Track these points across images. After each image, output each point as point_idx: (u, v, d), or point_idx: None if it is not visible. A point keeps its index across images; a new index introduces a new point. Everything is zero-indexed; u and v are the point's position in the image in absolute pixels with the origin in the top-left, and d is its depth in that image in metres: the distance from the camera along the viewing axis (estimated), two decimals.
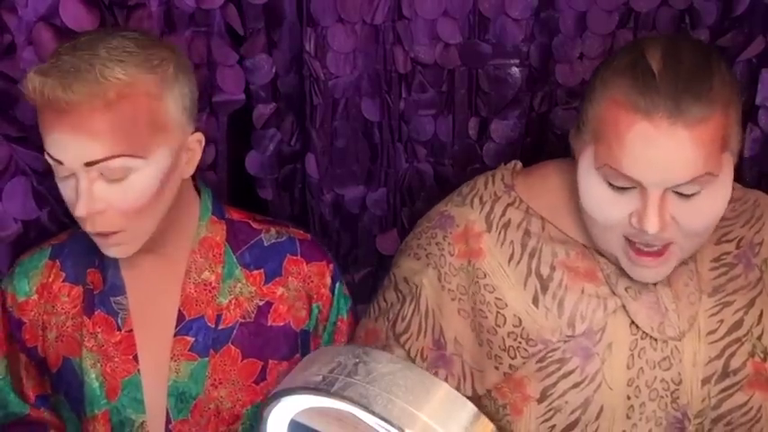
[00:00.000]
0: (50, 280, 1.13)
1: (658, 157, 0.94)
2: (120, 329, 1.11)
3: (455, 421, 0.72)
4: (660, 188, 0.96)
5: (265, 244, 1.16)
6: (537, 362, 1.06)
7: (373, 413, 0.70)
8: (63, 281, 1.13)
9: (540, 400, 1.06)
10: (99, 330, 1.11)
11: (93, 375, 1.10)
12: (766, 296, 1.08)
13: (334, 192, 1.37)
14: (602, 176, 0.99)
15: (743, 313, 1.07)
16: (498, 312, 1.08)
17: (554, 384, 1.06)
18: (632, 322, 1.05)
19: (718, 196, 1.00)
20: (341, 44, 1.27)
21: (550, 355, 1.06)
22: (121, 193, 1.00)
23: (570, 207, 1.09)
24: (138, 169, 1.00)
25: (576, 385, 1.05)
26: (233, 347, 1.13)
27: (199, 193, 1.15)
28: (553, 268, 1.08)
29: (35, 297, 1.13)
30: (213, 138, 1.29)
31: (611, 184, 0.99)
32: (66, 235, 1.17)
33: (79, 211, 0.99)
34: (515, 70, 1.33)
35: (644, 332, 1.05)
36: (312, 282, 1.17)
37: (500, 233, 1.10)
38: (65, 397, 1.14)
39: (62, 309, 1.13)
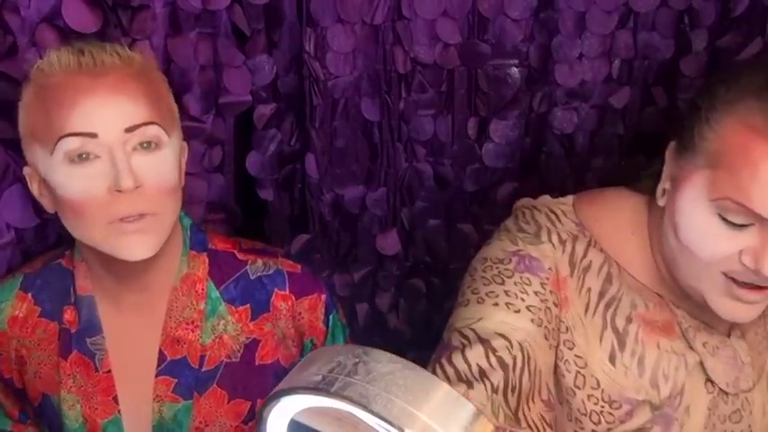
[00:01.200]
0: (22, 315, 1.06)
1: None
2: (97, 371, 1.06)
3: (455, 421, 0.72)
4: None
5: (251, 277, 1.08)
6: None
7: (373, 413, 0.70)
8: (39, 316, 1.06)
9: None
10: (77, 371, 1.05)
11: (73, 417, 1.06)
12: None
13: (334, 192, 1.37)
14: (715, 209, 0.88)
15: None
16: (578, 372, 0.97)
17: None
18: (707, 380, 0.99)
19: None
20: (341, 44, 1.27)
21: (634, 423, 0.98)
22: (156, 166, 0.95)
23: (640, 249, 1.00)
24: (165, 145, 0.97)
25: None
26: (218, 389, 1.07)
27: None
28: (629, 320, 0.98)
29: (7, 330, 1.06)
30: (220, 139, 1.29)
31: (724, 219, 0.88)
32: (39, 263, 1.10)
33: (125, 182, 0.91)
34: (515, 70, 1.33)
35: (719, 388, 0.99)
36: (303, 318, 1.10)
37: (580, 278, 0.99)
38: (48, 430, 1.10)
39: (39, 345, 1.06)
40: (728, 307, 0.92)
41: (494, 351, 0.91)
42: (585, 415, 0.97)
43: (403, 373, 0.72)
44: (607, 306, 0.98)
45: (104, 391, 1.06)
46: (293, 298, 1.08)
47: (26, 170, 1.02)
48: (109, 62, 0.95)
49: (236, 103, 1.27)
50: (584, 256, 0.99)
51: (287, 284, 1.08)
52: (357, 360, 0.74)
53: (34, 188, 1.01)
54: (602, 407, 0.96)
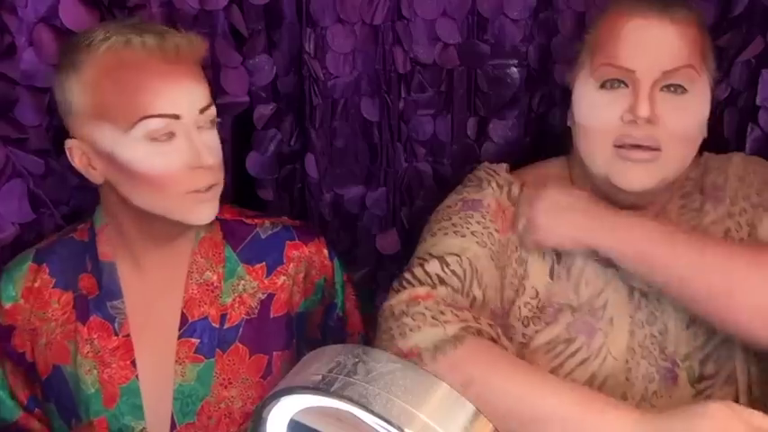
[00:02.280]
0: (37, 285, 1.11)
1: (649, 45, 1.05)
2: (117, 334, 1.10)
3: (454, 421, 0.72)
4: (650, 77, 1.04)
5: (263, 237, 1.17)
6: (546, 344, 1.09)
7: (372, 413, 0.70)
8: (53, 286, 1.11)
9: None
10: (95, 336, 1.09)
11: (90, 382, 1.09)
12: (741, 223, 1.11)
13: (334, 191, 1.37)
14: (596, 80, 1.08)
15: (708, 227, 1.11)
16: (520, 282, 1.11)
17: (561, 364, 1.08)
18: (631, 290, 1.09)
19: (699, 101, 1.07)
20: (340, 44, 1.27)
21: (557, 337, 1.08)
22: (213, 137, 1.05)
23: (568, 179, 1.18)
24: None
25: (582, 362, 1.08)
26: (241, 346, 1.13)
27: None
28: None
29: (21, 302, 1.11)
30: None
31: (603, 86, 1.07)
32: (52, 239, 1.15)
33: (209, 159, 1.02)
34: (514, 70, 1.33)
35: (639, 294, 1.09)
36: (314, 260, 1.18)
37: None
38: (55, 405, 1.12)
39: (52, 315, 1.11)
40: (623, 171, 1.06)
41: (447, 264, 1.08)
42: (519, 320, 1.10)
43: (403, 372, 0.72)
44: None
45: (123, 356, 1.10)
46: (303, 245, 1.18)
47: (72, 143, 1.04)
48: (183, 47, 1.01)
49: (233, 104, 1.27)
50: (522, 192, 1.15)
51: (295, 235, 1.18)
52: (357, 360, 0.74)
53: (78, 161, 1.05)
54: (534, 312, 1.10)
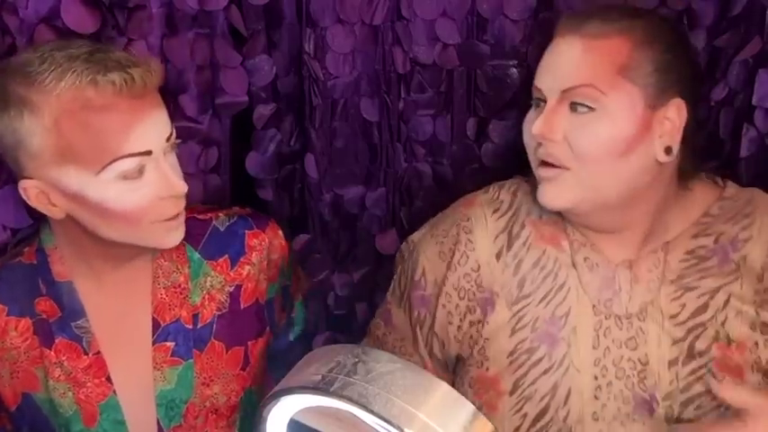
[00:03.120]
0: None
1: (553, 63, 1.05)
2: (87, 353, 1.07)
3: (454, 420, 0.72)
4: (553, 96, 1.04)
5: (221, 229, 1.15)
6: (508, 356, 1.10)
7: (372, 412, 0.70)
8: (6, 314, 1.07)
9: (511, 392, 1.09)
10: (64, 359, 1.07)
11: (66, 405, 1.07)
12: (738, 288, 1.08)
13: (334, 192, 1.37)
14: (532, 99, 1.09)
15: (707, 298, 1.08)
16: (464, 252, 1.13)
17: (525, 374, 1.09)
18: (594, 305, 1.08)
19: (610, 120, 1.01)
20: (340, 45, 1.27)
21: (519, 346, 1.09)
22: (177, 165, 1.03)
23: None
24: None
25: (545, 372, 1.08)
26: (217, 342, 1.13)
27: None
28: (523, 226, 1.13)
29: None
30: (216, 140, 1.29)
31: (533, 105, 1.09)
32: (0, 261, 1.10)
33: (181, 187, 1.01)
34: (514, 71, 1.33)
35: (608, 312, 1.08)
36: (273, 245, 1.18)
37: (495, 192, 1.18)
38: (29, 431, 1.10)
39: (12, 344, 1.07)
40: (540, 190, 1.07)
41: (400, 251, 1.22)
42: (456, 290, 1.13)
43: (402, 372, 0.72)
44: (513, 214, 1.15)
45: (96, 373, 1.08)
46: (261, 232, 1.17)
47: (27, 183, 0.99)
48: (148, 80, 0.97)
49: (232, 104, 1.28)
50: (502, 186, 1.18)
51: (253, 224, 1.17)
52: (356, 360, 0.74)
53: (35, 200, 1.00)
54: (472, 286, 1.13)
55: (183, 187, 1.01)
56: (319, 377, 0.74)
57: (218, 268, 1.14)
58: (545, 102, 1.05)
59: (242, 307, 1.15)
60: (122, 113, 0.95)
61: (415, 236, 1.21)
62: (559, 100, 1.03)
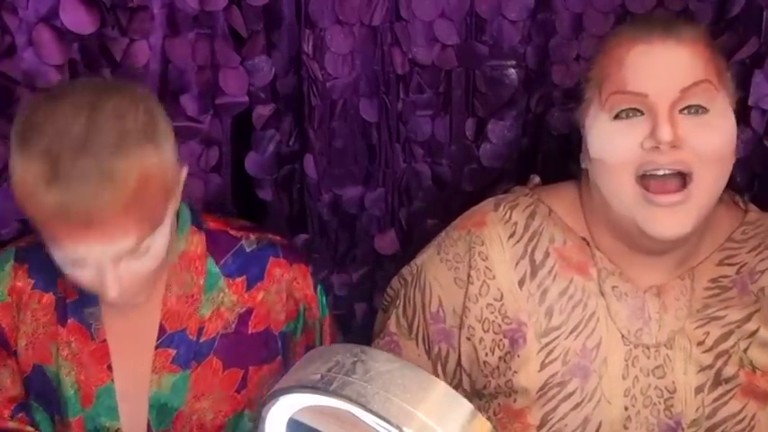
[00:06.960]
0: (20, 284, 1.10)
1: (659, 67, 0.99)
2: (93, 339, 1.10)
3: (453, 420, 0.72)
4: (667, 99, 0.98)
5: (247, 250, 1.14)
6: (537, 391, 1.06)
7: (371, 411, 0.70)
8: (32, 288, 1.10)
9: (539, 427, 1.06)
10: (72, 339, 1.09)
11: (69, 384, 1.09)
12: (758, 315, 1.07)
13: (333, 192, 1.37)
14: (608, 111, 1.01)
15: (734, 326, 1.06)
16: (485, 281, 1.09)
17: (554, 409, 1.06)
18: (624, 335, 1.06)
19: (722, 119, 1.01)
20: (339, 45, 1.27)
21: (550, 381, 1.06)
22: (145, 261, 0.99)
23: (579, 208, 1.12)
24: (157, 236, 0.98)
25: (576, 406, 1.05)
26: (215, 359, 1.12)
27: None
28: (547, 254, 1.09)
29: (9, 300, 1.10)
30: (217, 140, 1.29)
31: (618, 117, 1.01)
32: (32, 239, 1.11)
33: (112, 295, 0.97)
34: (512, 71, 1.34)
35: (637, 342, 1.05)
36: (297, 283, 1.16)
37: (507, 213, 1.12)
38: (35, 401, 1.12)
39: (33, 317, 1.10)
40: (652, 219, 0.99)
41: (401, 275, 1.18)
42: (479, 321, 1.09)
43: (401, 372, 0.73)
44: (530, 239, 1.10)
45: (99, 360, 1.10)
46: (287, 264, 1.15)
47: None
48: (103, 209, 0.91)
49: (232, 104, 1.28)
50: (514, 200, 1.13)
51: (281, 253, 1.15)
52: (355, 359, 0.74)
53: None
54: (496, 317, 1.08)
55: (111, 295, 0.97)
56: (318, 376, 0.74)
57: (234, 287, 1.13)
58: (642, 112, 1.00)
59: (249, 332, 1.14)
60: (59, 228, 0.93)
61: (419, 260, 1.16)
62: (673, 104, 0.98)
